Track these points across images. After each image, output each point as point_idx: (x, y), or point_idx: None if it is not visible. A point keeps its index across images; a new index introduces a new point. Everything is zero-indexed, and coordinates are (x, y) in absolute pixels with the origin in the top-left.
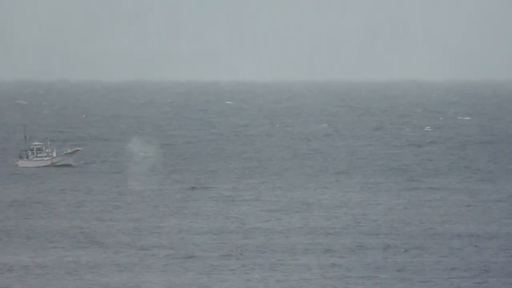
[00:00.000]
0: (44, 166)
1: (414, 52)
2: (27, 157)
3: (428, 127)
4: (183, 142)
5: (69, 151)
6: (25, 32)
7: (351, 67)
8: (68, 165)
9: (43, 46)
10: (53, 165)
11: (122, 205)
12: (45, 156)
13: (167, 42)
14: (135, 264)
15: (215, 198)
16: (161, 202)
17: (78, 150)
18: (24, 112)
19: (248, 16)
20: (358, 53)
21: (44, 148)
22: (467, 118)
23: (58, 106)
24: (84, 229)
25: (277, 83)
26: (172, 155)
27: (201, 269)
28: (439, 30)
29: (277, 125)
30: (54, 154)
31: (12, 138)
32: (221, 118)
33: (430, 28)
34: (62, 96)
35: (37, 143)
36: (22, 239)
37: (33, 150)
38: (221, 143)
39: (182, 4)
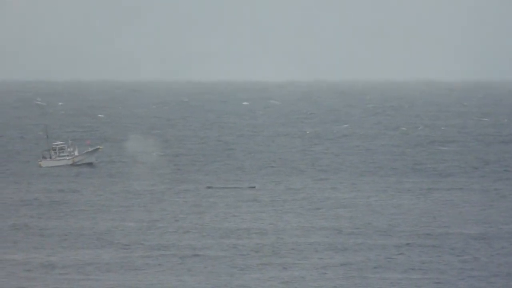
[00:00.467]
0: (66, 165)
1: (429, 52)
2: (50, 157)
3: (444, 127)
4: (199, 142)
5: (90, 149)
6: (32, 33)
7: (365, 67)
8: (89, 164)
9: (52, 46)
10: (74, 164)
11: (138, 205)
12: (67, 156)
13: (180, 43)
14: (150, 264)
15: (230, 198)
16: (177, 202)
17: (98, 149)
18: (41, 112)
19: (259, 17)
20: (372, 53)
21: (66, 148)
22: (483, 117)
23: (73, 106)
24: (99, 229)
25: (289, 83)
26: (189, 155)
27: (216, 268)
28: (455, 30)
29: (292, 125)
30: (76, 153)
31: (31, 138)
32: (237, 119)
33: (446, 27)
34: (77, 96)
35: (59, 142)
36: (38, 238)
37: (55, 149)
38: (237, 143)
39: (191, 4)
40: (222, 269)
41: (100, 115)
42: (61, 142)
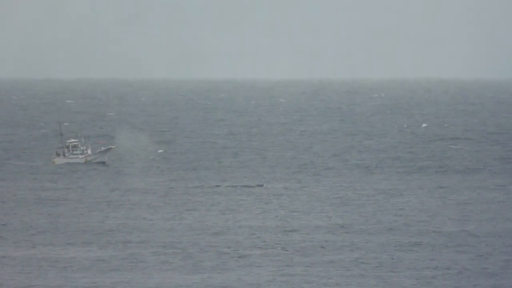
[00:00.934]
0: (79, 163)
1: (440, 50)
2: (64, 155)
3: (452, 125)
4: (206, 141)
5: (103, 149)
6: (36, 32)
7: (372, 65)
8: (102, 163)
9: (57, 46)
10: (87, 162)
11: (145, 203)
12: (80, 154)
13: (187, 42)
14: (157, 261)
15: (238, 196)
16: (185, 200)
17: (111, 148)
18: (51, 109)
19: (266, 16)
20: (379, 52)
21: (79, 145)
22: (491, 116)
23: (83, 104)
24: (107, 227)
25: (296, 82)
26: (196, 153)
27: (223, 265)
28: (466, 29)
29: (300, 123)
30: (89, 151)
31: (39, 136)
32: (244, 117)
33: (458, 27)
34: (84, 94)
35: (72, 140)
36: (47, 235)
37: (68, 147)
38: (245, 141)
39: (197, 2)
40: (229, 266)
41: (109, 113)
42: (75, 140)
